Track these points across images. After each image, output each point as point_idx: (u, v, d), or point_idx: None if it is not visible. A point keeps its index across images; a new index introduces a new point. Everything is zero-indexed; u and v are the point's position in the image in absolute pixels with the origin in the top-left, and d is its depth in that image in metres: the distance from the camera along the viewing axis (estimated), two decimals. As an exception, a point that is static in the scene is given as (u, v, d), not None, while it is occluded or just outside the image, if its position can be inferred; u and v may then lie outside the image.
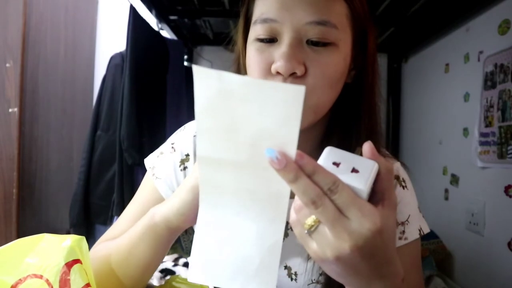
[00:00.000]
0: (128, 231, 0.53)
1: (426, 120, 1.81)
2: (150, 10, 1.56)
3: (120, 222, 0.62)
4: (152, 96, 1.43)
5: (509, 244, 1.14)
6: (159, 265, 0.55)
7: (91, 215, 1.40)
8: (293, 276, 0.57)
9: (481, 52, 1.32)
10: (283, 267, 0.57)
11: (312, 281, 0.56)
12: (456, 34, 1.53)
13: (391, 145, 2.08)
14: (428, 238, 1.61)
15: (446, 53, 1.62)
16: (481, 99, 1.29)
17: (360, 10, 0.50)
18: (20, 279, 0.42)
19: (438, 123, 1.67)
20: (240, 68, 0.56)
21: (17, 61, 1.23)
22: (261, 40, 0.48)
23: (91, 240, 1.44)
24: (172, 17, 1.71)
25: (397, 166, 0.59)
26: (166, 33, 1.81)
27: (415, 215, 0.57)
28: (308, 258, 0.56)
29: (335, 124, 0.55)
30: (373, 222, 0.32)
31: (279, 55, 0.46)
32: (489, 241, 1.25)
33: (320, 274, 0.56)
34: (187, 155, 0.61)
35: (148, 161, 0.66)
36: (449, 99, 1.56)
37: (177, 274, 0.72)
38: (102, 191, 1.39)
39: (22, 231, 1.27)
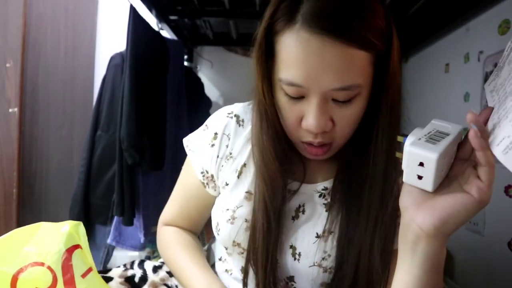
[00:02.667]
0: (180, 273, 0.65)
1: (426, 120, 1.80)
2: (150, 10, 1.56)
3: (170, 205, 0.73)
4: (152, 96, 1.43)
5: (509, 244, 1.14)
6: None
7: (91, 215, 1.40)
8: (297, 256, 0.59)
9: (481, 52, 1.32)
10: (289, 246, 0.59)
11: (314, 263, 0.58)
12: (456, 34, 1.53)
13: (391, 145, 2.08)
14: (428, 238, 1.61)
15: (446, 53, 1.62)
16: (481, 99, 1.29)
17: (379, 46, 0.49)
18: (21, 268, 0.42)
19: (438, 123, 1.67)
20: (263, 95, 0.55)
21: (17, 61, 1.24)
22: (290, 96, 0.51)
23: (91, 240, 1.44)
24: (172, 17, 1.71)
25: None
26: (166, 33, 1.81)
27: None
28: (313, 241, 0.58)
29: (356, 132, 0.56)
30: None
31: (310, 115, 0.49)
32: (489, 241, 1.25)
33: (323, 258, 0.58)
34: (216, 133, 0.65)
35: (186, 139, 0.71)
36: (449, 99, 1.56)
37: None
38: (102, 191, 1.38)
39: (22, 231, 1.27)
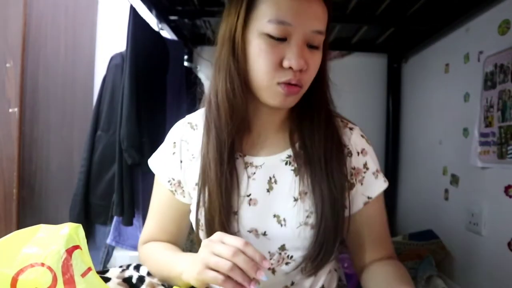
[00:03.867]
0: (163, 265, 0.66)
1: (426, 120, 1.81)
2: (150, 10, 1.56)
3: (147, 225, 0.76)
4: (152, 96, 1.43)
5: (509, 244, 1.14)
6: None
7: (91, 215, 1.40)
8: (282, 222, 0.64)
9: (481, 52, 1.32)
10: (272, 216, 0.65)
11: (300, 224, 0.64)
12: (456, 34, 1.53)
13: (391, 144, 2.08)
14: (428, 238, 1.61)
15: (446, 53, 1.62)
16: (481, 99, 1.29)
17: (331, 16, 0.62)
18: (21, 269, 0.43)
19: (438, 123, 1.67)
20: (236, 48, 0.61)
21: (17, 61, 1.24)
22: (271, 37, 0.57)
23: (91, 240, 1.44)
24: (172, 17, 1.71)
25: (358, 128, 0.71)
26: (166, 33, 1.81)
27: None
28: (293, 205, 0.65)
29: (301, 101, 0.65)
30: None
31: (292, 53, 0.57)
32: (489, 241, 1.25)
33: (307, 217, 0.64)
34: (174, 142, 0.72)
35: (150, 160, 0.77)
36: (449, 99, 1.56)
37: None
38: (102, 191, 1.38)
39: (22, 231, 1.27)
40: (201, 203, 0.65)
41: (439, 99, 1.67)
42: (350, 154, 0.68)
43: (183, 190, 0.72)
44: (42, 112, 1.40)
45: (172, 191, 0.72)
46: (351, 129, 0.70)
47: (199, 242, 0.67)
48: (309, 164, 0.65)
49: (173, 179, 0.72)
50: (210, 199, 0.63)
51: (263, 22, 0.57)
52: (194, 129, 0.72)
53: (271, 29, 0.57)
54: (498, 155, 1.19)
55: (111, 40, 1.78)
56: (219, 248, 0.52)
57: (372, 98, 2.13)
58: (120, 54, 1.44)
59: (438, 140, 1.65)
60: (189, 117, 0.75)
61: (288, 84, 0.58)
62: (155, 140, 1.38)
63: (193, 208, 0.69)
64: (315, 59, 0.60)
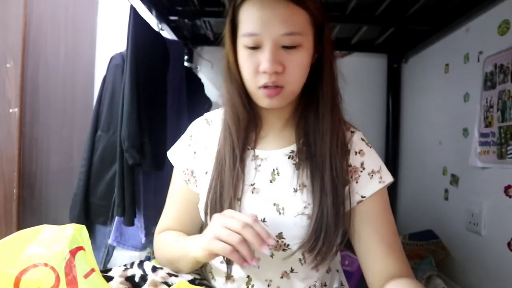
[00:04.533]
0: (172, 246, 0.73)
1: (426, 120, 1.81)
2: (150, 11, 1.56)
3: (163, 215, 0.82)
4: (152, 96, 1.43)
5: (509, 244, 1.14)
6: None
7: (91, 215, 1.40)
8: (281, 211, 0.69)
9: (481, 53, 1.32)
10: (272, 204, 0.69)
11: (297, 213, 0.68)
12: (456, 34, 1.54)
13: (391, 145, 2.09)
14: (428, 238, 1.61)
15: (446, 53, 1.62)
16: (481, 99, 1.30)
17: (317, 13, 0.66)
18: (24, 269, 0.43)
19: (438, 123, 1.67)
20: (229, 63, 0.70)
21: (18, 62, 1.23)
22: (249, 48, 0.65)
23: (92, 240, 1.43)
24: (172, 18, 1.71)
25: (360, 133, 0.75)
26: (167, 33, 1.81)
27: (383, 166, 0.73)
28: (293, 195, 0.69)
29: (304, 97, 0.72)
30: None
31: (264, 59, 0.63)
32: (489, 241, 1.25)
33: (304, 207, 0.68)
34: (191, 135, 0.80)
35: (169, 152, 0.83)
36: (449, 99, 1.56)
37: (179, 276, 0.72)
38: (103, 191, 1.38)
39: (23, 231, 1.27)
40: (212, 190, 0.71)
41: (439, 99, 1.68)
42: (348, 152, 0.72)
43: (196, 180, 0.77)
44: (42, 112, 1.40)
45: (185, 180, 0.78)
46: (352, 132, 0.74)
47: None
48: (310, 159, 0.69)
49: (187, 169, 0.78)
50: (222, 189, 0.70)
51: (241, 36, 0.66)
52: (209, 125, 0.80)
53: (246, 41, 0.64)
54: (498, 155, 1.19)
55: (111, 40, 1.78)
56: (230, 221, 0.57)
57: (372, 98, 2.13)
58: (120, 54, 1.44)
59: (438, 140, 1.65)
60: (207, 114, 0.82)
61: (267, 87, 0.64)
62: (156, 140, 1.39)
63: (203, 195, 0.73)
64: (293, 59, 0.64)
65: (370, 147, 0.74)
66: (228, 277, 0.73)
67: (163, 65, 1.56)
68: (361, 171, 0.71)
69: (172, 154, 0.82)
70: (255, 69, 0.65)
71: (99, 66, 1.76)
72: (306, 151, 0.70)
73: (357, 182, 0.70)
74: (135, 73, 1.29)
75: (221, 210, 0.68)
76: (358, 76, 2.12)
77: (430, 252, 1.54)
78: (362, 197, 0.70)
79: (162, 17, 1.64)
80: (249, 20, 0.64)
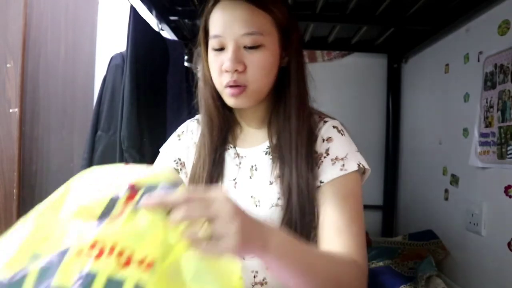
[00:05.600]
0: None
1: (426, 120, 1.81)
2: (151, 11, 1.56)
3: None
4: (152, 96, 1.43)
5: (509, 244, 1.14)
6: None
7: (91, 215, 1.40)
8: (257, 203, 0.72)
9: (481, 53, 1.32)
10: (250, 197, 0.73)
11: (272, 205, 0.71)
12: (456, 35, 1.54)
13: (391, 145, 2.09)
14: (428, 238, 1.61)
15: (446, 53, 1.62)
16: (481, 99, 1.30)
17: (280, 16, 0.70)
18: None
19: (438, 123, 1.67)
20: (203, 68, 0.75)
21: (18, 62, 1.23)
22: (215, 49, 0.69)
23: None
24: (172, 18, 1.71)
25: (335, 122, 0.76)
26: (167, 33, 1.81)
27: (353, 153, 0.72)
28: (268, 188, 0.72)
29: (275, 98, 0.75)
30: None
31: (226, 58, 0.67)
32: (489, 241, 1.25)
33: (278, 198, 0.71)
34: (182, 131, 0.85)
35: (162, 149, 0.87)
36: (449, 99, 1.56)
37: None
38: (102, 191, 1.38)
39: (23, 231, 1.27)
40: (194, 184, 0.76)
41: (439, 99, 1.68)
42: (315, 140, 0.74)
43: (187, 172, 0.81)
44: (42, 112, 1.39)
45: (177, 169, 0.82)
46: (325, 122, 0.76)
47: None
48: (281, 155, 0.73)
49: (179, 159, 0.82)
50: (204, 183, 0.74)
51: (209, 40, 0.71)
52: (199, 124, 0.84)
53: (212, 43, 0.69)
54: (498, 155, 1.19)
55: (111, 40, 1.78)
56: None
57: (372, 98, 2.13)
58: (120, 54, 1.44)
59: (438, 140, 1.65)
60: (198, 116, 0.86)
61: (231, 87, 0.68)
62: (156, 140, 1.38)
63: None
64: (254, 58, 0.67)
65: (343, 134, 0.74)
66: None
67: (163, 65, 1.56)
68: (324, 157, 0.72)
69: (162, 149, 0.87)
70: (219, 69, 0.69)
71: (99, 66, 1.76)
72: (278, 147, 0.74)
73: (318, 168, 0.71)
74: (135, 73, 1.29)
75: None
76: (358, 76, 2.12)
77: (430, 252, 1.54)
78: (321, 182, 0.70)
79: (162, 17, 1.64)
80: (214, 24, 0.69)
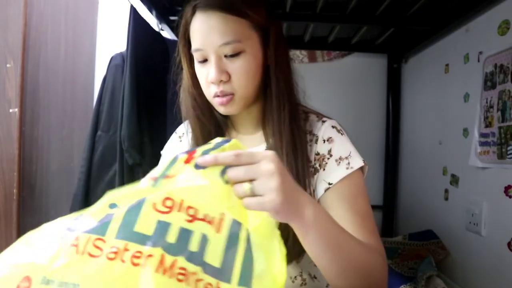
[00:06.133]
0: None
1: (426, 120, 1.81)
2: (151, 11, 1.56)
3: None
4: (152, 96, 1.43)
5: (509, 244, 1.14)
6: None
7: (91, 215, 1.40)
8: None
9: (481, 53, 1.32)
10: None
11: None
12: (456, 35, 1.54)
13: (391, 145, 2.08)
14: (428, 238, 1.61)
15: (446, 53, 1.62)
16: (481, 99, 1.30)
17: (258, 17, 0.69)
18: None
19: (438, 123, 1.67)
20: (187, 72, 0.76)
21: (18, 62, 1.24)
22: (199, 62, 0.70)
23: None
24: (172, 18, 1.71)
25: (333, 121, 0.76)
26: (167, 33, 1.80)
27: (354, 151, 0.72)
28: None
29: (266, 99, 0.74)
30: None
31: (210, 70, 0.68)
32: (489, 241, 1.25)
33: None
34: (183, 133, 0.86)
35: (163, 151, 0.90)
36: (449, 99, 1.56)
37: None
38: (103, 191, 1.37)
39: (22, 231, 1.27)
40: None
41: (439, 99, 1.67)
42: (316, 141, 0.73)
43: None
44: (42, 112, 1.40)
45: None
46: (323, 121, 0.75)
47: None
48: (280, 153, 0.71)
49: None
50: None
51: (193, 52, 0.70)
52: None
53: (196, 56, 0.70)
54: (498, 155, 1.19)
55: (111, 40, 1.78)
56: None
57: (372, 98, 2.13)
58: (120, 54, 1.44)
59: (438, 140, 1.65)
60: None
61: (218, 97, 0.69)
62: (156, 140, 1.39)
63: None
64: (237, 66, 0.68)
65: (342, 134, 0.74)
66: None
67: (164, 65, 1.56)
68: (328, 158, 0.71)
69: (164, 150, 0.89)
70: (206, 81, 0.69)
71: (99, 66, 1.76)
72: (274, 148, 0.72)
73: (324, 170, 0.71)
74: (135, 73, 1.29)
75: None
76: (358, 76, 2.12)
77: (430, 252, 1.54)
78: (329, 184, 0.70)
79: (162, 17, 1.64)
80: (194, 37, 0.69)
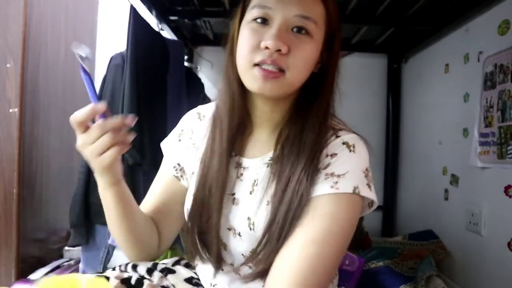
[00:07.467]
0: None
1: (426, 120, 1.81)
2: (150, 11, 1.56)
3: (142, 205, 0.77)
4: (152, 96, 1.43)
5: (509, 244, 1.14)
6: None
7: (91, 215, 1.40)
8: (251, 226, 0.63)
9: (480, 53, 1.32)
10: (246, 218, 0.64)
11: (265, 229, 0.61)
12: (456, 35, 1.54)
13: (391, 145, 2.09)
14: (428, 238, 1.61)
15: (446, 53, 1.62)
16: (481, 99, 1.30)
17: (333, 14, 0.63)
18: None
19: (437, 123, 1.67)
20: (233, 45, 0.65)
21: (18, 61, 1.24)
22: (255, 20, 0.60)
23: (91, 240, 1.44)
24: (172, 18, 1.71)
25: (351, 136, 0.64)
26: (167, 33, 1.81)
27: (355, 174, 0.60)
28: (265, 209, 0.62)
29: (298, 104, 0.66)
30: None
31: (269, 35, 0.58)
32: (489, 241, 1.25)
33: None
34: (182, 130, 0.77)
35: (162, 143, 0.81)
36: (449, 99, 1.56)
37: (177, 273, 0.72)
38: (102, 191, 1.38)
39: (22, 231, 1.27)
40: (193, 201, 0.68)
41: (439, 99, 1.68)
42: (321, 154, 0.63)
43: (186, 178, 0.75)
44: (42, 112, 1.40)
45: (177, 177, 0.76)
46: (337, 136, 0.64)
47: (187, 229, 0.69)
48: (282, 167, 0.62)
49: (179, 165, 0.76)
50: (204, 200, 0.66)
51: (250, 10, 0.61)
52: (200, 120, 0.76)
53: (254, 13, 0.60)
54: (498, 155, 1.19)
55: (111, 40, 1.78)
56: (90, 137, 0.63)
57: (372, 98, 2.13)
58: (120, 54, 1.44)
59: (438, 140, 1.65)
60: (200, 108, 0.78)
61: (264, 68, 0.57)
62: (156, 140, 1.38)
63: (189, 197, 0.71)
64: (302, 45, 0.59)
65: (351, 151, 0.61)
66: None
67: (163, 65, 1.56)
68: (321, 171, 0.60)
69: (164, 146, 0.80)
70: (254, 45, 0.58)
71: (99, 66, 1.76)
72: (280, 159, 0.63)
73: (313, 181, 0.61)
74: (135, 73, 1.29)
75: (200, 219, 0.66)
76: (358, 76, 2.12)
77: (430, 252, 1.54)
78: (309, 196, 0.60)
79: (162, 17, 1.64)
80: None
